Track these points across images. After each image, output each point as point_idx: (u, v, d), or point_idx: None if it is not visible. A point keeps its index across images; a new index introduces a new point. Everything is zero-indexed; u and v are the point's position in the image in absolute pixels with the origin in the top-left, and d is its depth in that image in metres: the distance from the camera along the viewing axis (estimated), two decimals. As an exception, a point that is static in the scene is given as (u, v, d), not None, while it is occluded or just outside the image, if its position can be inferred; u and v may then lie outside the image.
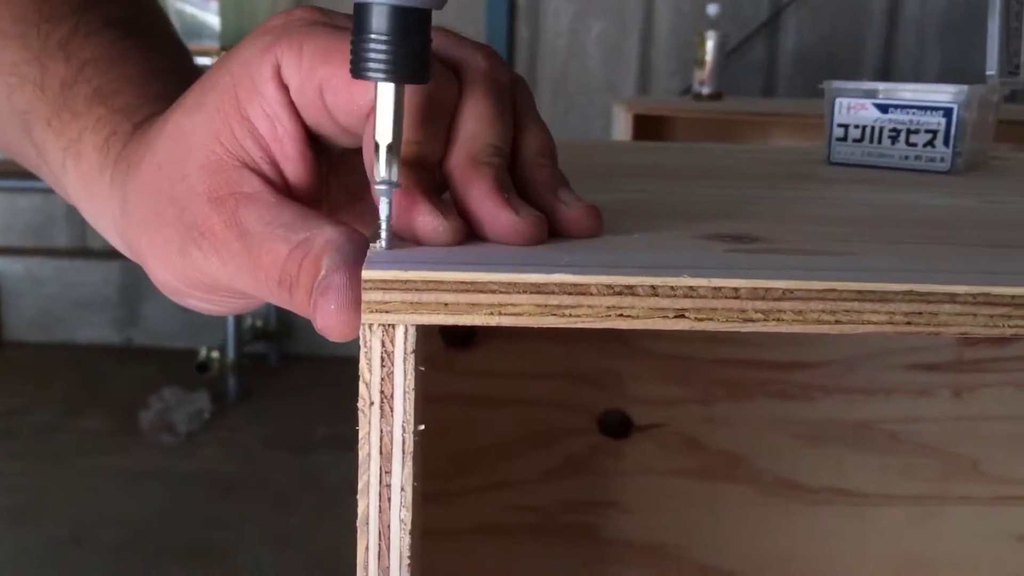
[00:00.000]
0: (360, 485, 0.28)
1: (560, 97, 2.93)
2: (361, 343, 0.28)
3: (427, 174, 0.32)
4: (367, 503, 0.29)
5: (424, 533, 0.38)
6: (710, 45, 2.25)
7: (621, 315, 0.28)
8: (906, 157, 0.58)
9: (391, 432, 0.28)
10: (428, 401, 0.30)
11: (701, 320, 0.28)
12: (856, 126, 0.59)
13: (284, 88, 0.32)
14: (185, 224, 0.33)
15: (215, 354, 2.66)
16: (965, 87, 0.56)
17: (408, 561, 0.29)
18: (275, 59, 0.32)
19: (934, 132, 0.57)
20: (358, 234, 0.31)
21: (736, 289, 0.27)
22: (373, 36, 0.29)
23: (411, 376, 0.28)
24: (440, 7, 0.30)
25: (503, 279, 0.27)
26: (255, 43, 0.33)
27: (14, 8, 0.42)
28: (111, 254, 2.92)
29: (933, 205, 0.47)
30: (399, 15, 0.29)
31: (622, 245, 0.32)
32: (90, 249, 3.09)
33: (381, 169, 0.30)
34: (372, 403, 0.28)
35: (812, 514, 0.58)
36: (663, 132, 2.20)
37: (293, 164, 0.33)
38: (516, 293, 0.27)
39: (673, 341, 0.55)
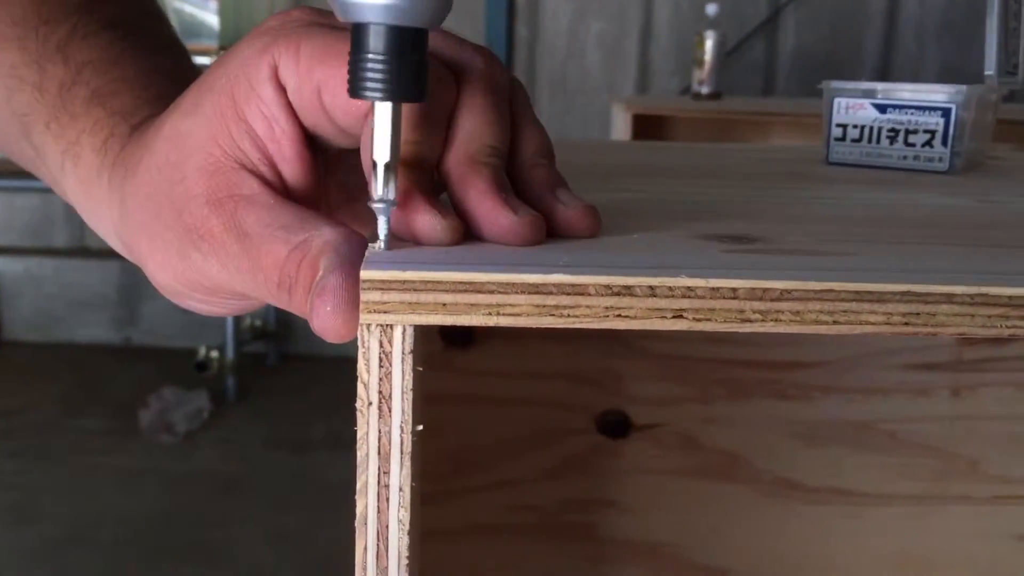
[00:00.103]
0: (358, 485, 0.28)
1: (559, 97, 2.93)
2: (359, 343, 0.28)
3: (425, 174, 0.32)
4: (365, 503, 0.29)
5: (423, 533, 0.38)
6: (709, 45, 2.25)
7: (619, 315, 0.28)
8: (904, 157, 0.58)
9: (389, 432, 0.28)
10: (427, 401, 0.30)
11: (699, 320, 0.28)
12: (855, 126, 0.59)
13: (281, 89, 0.32)
14: (184, 226, 0.33)
15: (214, 354, 2.66)
16: (963, 87, 0.56)
17: (407, 561, 0.29)
18: (272, 60, 0.32)
19: (932, 132, 0.57)
20: (357, 235, 0.31)
21: (734, 289, 0.28)
22: (370, 56, 0.29)
23: (409, 376, 0.28)
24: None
25: (501, 279, 0.27)
26: (252, 44, 0.33)
27: (13, 10, 0.42)
28: (110, 254, 2.92)
29: (931, 205, 0.47)
30: (396, 35, 0.29)
31: (620, 245, 0.32)
32: (89, 249, 3.09)
33: (379, 188, 0.30)
34: (370, 403, 0.28)
35: (811, 514, 0.58)
36: (662, 132, 2.20)
37: (291, 165, 0.33)
38: (514, 293, 0.27)
39: (672, 341, 0.55)
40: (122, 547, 1.93)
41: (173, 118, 0.35)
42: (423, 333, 0.29)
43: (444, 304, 0.27)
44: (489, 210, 0.31)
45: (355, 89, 0.30)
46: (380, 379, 0.28)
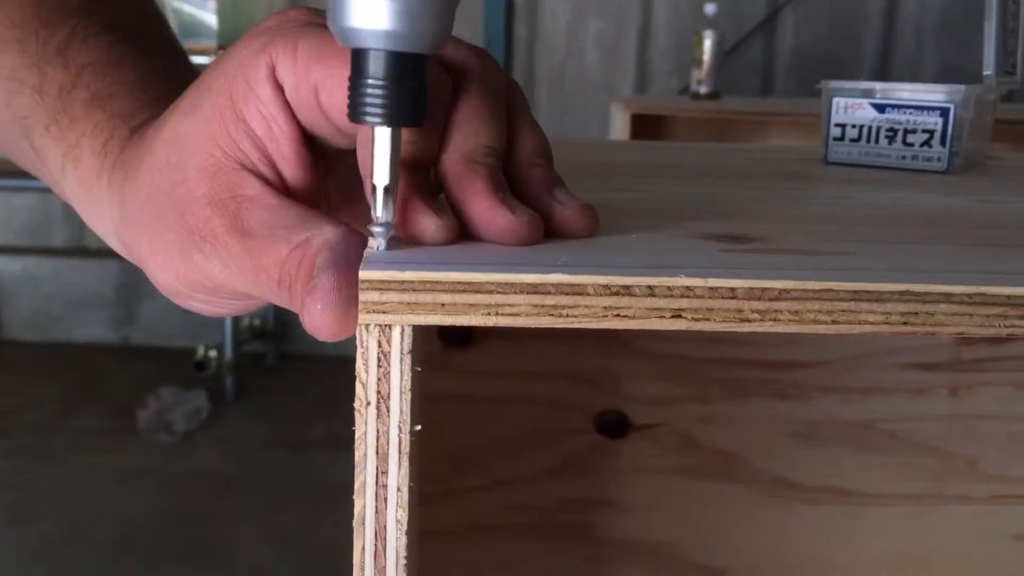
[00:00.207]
0: (357, 485, 0.28)
1: (558, 96, 2.93)
2: (358, 343, 0.28)
3: (421, 174, 0.32)
4: (364, 503, 0.29)
5: (421, 533, 0.38)
6: (708, 44, 2.25)
7: (618, 315, 0.28)
8: (903, 157, 0.58)
9: (387, 432, 0.28)
10: (426, 401, 0.30)
11: (698, 320, 0.28)
12: (853, 126, 0.59)
13: (279, 88, 0.32)
14: (186, 227, 0.33)
15: (213, 353, 2.66)
16: (962, 87, 0.56)
17: (404, 561, 0.29)
18: (270, 60, 0.32)
19: (931, 132, 0.57)
20: (356, 234, 0.31)
21: (733, 289, 0.27)
22: (370, 81, 0.29)
23: (407, 376, 0.28)
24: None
25: (500, 279, 0.27)
26: (250, 44, 0.33)
27: (12, 12, 0.42)
28: (108, 253, 2.91)
29: (930, 205, 0.47)
30: (395, 60, 0.29)
31: (619, 245, 0.32)
32: (87, 248, 3.09)
33: (378, 211, 0.30)
34: (369, 403, 0.28)
35: (809, 513, 0.58)
36: (661, 131, 2.20)
37: (290, 164, 0.33)
38: (513, 293, 0.27)
39: (670, 341, 0.55)
40: (120, 547, 1.93)
41: (172, 120, 0.35)
42: (422, 333, 0.29)
43: (443, 304, 0.27)
44: (486, 210, 0.31)
45: (355, 114, 0.30)
46: (378, 379, 0.28)
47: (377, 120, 0.29)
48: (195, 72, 0.44)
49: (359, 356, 0.28)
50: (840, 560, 0.59)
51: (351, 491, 0.28)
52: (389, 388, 0.28)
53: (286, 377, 2.90)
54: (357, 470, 0.28)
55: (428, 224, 0.30)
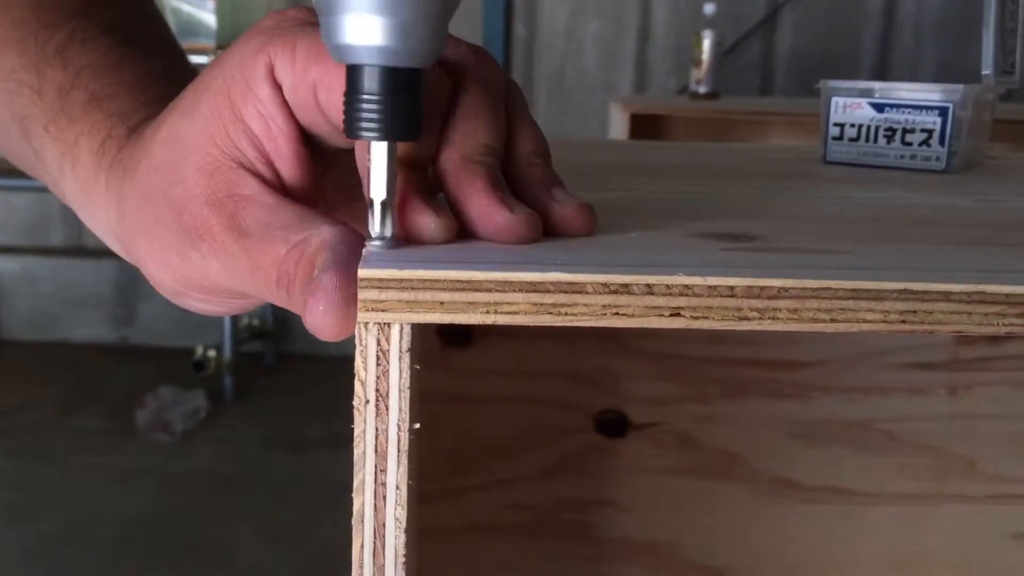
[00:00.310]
0: (355, 483, 0.28)
1: (557, 96, 2.93)
2: (357, 341, 0.28)
3: (420, 173, 0.32)
4: (362, 501, 0.29)
5: (419, 531, 0.38)
6: (707, 44, 2.25)
7: (617, 313, 0.28)
8: (902, 156, 0.58)
9: (386, 430, 0.28)
10: (424, 399, 0.30)
11: (697, 319, 0.28)
12: (852, 125, 0.59)
13: (277, 87, 0.32)
14: (183, 227, 0.33)
15: (211, 353, 2.66)
16: (961, 86, 0.56)
17: (403, 559, 0.29)
18: (268, 59, 0.32)
19: (930, 131, 0.57)
20: (355, 234, 0.31)
21: (732, 287, 0.28)
22: (365, 96, 0.29)
23: (406, 374, 0.28)
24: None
25: (499, 278, 0.27)
26: (248, 44, 0.33)
27: (13, 14, 0.42)
28: (106, 253, 2.91)
29: (928, 204, 0.47)
30: (391, 75, 0.29)
31: (618, 244, 0.32)
32: (85, 248, 3.09)
33: (376, 225, 0.30)
34: (368, 401, 0.28)
35: (808, 513, 0.58)
36: (660, 131, 2.20)
37: (288, 164, 0.33)
38: (512, 292, 0.27)
39: (669, 340, 0.55)
40: (119, 547, 1.93)
41: (171, 119, 0.35)
42: (420, 331, 0.29)
43: (442, 302, 0.27)
44: (485, 208, 0.31)
45: (351, 129, 0.30)
46: (377, 377, 0.28)
47: (373, 135, 0.30)
48: (194, 72, 0.44)
49: (358, 354, 0.28)
50: (839, 559, 0.59)
51: (350, 491, 0.28)
52: (388, 386, 0.28)
53: (285, 377, 2.89)
54: (356, 468, 0.28)
55: (427, 223, 0.30)
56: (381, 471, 0.28)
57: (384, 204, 0.30)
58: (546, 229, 0.32)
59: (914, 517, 0.59)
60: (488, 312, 0.27)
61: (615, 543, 0.58)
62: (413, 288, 0.27)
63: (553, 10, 2.90)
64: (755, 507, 0.58)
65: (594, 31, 2.91)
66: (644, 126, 2.06)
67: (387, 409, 0.28)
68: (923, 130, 0.57)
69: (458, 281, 0.27)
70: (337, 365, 2.72)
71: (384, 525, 0.29)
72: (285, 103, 0.33)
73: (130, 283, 3.01)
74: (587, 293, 0.27)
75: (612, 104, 2.21)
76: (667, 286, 0.27)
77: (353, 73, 0.30)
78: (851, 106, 0.59)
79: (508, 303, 0.27)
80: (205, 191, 0.33)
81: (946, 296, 0.28)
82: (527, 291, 0.27)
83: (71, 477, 2.21)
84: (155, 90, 0.40)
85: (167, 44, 0.46)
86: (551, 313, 0.27)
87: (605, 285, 0.27)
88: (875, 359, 0.57)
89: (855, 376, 0.57)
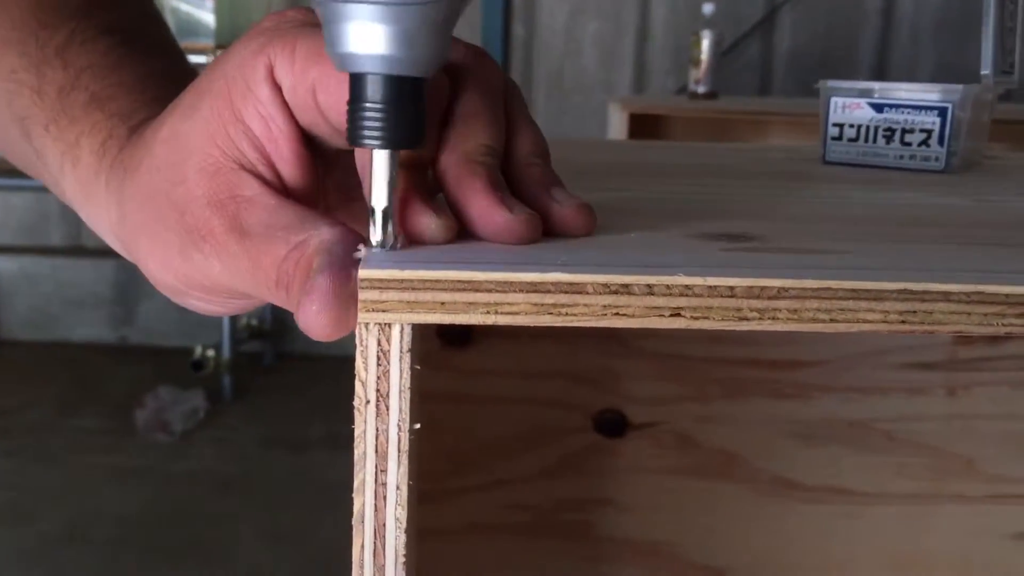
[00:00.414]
0: (356, 483, 0.28)
1: (556, 96, 2.93)
2: (357, 342, 0.28)
3: (420, 174, 0.32)
4: (363, 501, 0.29)
5: (420, 531, 0.38)
6: (705, 44, 2.25)
7: (617, 314, 0.28)
8: (901, 157, 0.58)
9: (387, 431, 0.28)
10: (424, 399, 0.30)
11: (697, 319, 0.28)
12: (851, 125, 0.59)
13: (277, 88, 0.32)
14: (185, 227, 0.33)
15: (210, 353, 2.66)
16: (960, 87, 0.56)
17: (403, 559, 0.29)
18: (268, 60, 0.32)
19: (929, 132, 0.57)
20: (354, 236, 0.31)
21: (732, 288, 0.28)
22: (368, 105, 0.29)
23: (407, 375, 0.28)
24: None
25: (499, 278, 0.27)
26: (248, 45, 0.33)
27: (12, 14, 0.42)
28: (106, 252, 2.92)
29: (927, 204, 0.47)
30: (393, 84, 0.29)
31: (618, 244, 0.32)
32: (85, 247, 3.09)
33: (376, 233, 0.30)
34: (368, 402, 0.28)
35: (807, 512, 0.58)
36: (659, 131, 2.20)
37: (288, 164, 0.33)
38: (512, 292, 0.27)
39: (669, 340, 0.55)
40: (118, 546, 1.93)
41: (172, 120, 0.35)
42: (421, 332, 0.29)
43: (442, 303, 0.27)
44: (485, 208, 0.31)
45: (353, 137, 0.30)
46: (378, 377, 0.28)
47: (375, 143, 0.30)
48: (193, 72, 0.44)
49: (358, 355, 0.28)
50: (838, 559, 0.59)
51: (350, 491, 0.29)
52: (388, 387, 0.28)
53: (284, 376, 2.89)
54: (356, 468, 0.28)
55: (427, 223, 0.30)
56: (381, 471, 0.28)
57: (385, 212, 0.30)
58: (546, 229, 0.32)
59: (913, 517, 0.59)
60: (488, 312, 0.27)
61: (615, 543, 0.58)
62: (414, 289, 0.27)
63: (552, 10, 2.90)
64: (755, 507, 0.58)
65: (593, 31, 2.91)
66: (643, 126, 2.06)
67: (387, 409, 0.28)
68: (922, 130, 0.57)
69: (458, 281, 0.27)
70: (336, 365, 2.72)
71: (384, 525, 0.29)
72: (285, 104, 0.33)
73: (129, 283, 3.01)
74: (587, 293, 0.27)
75: (611, 104, 2.21)
76: (667, 286, 0.27)
77: (356, 81, 0.30)
78: (850, 106, 0.59)
79: (508, 303, 0.27)
80: (207, 192, 0.33)
81: (946, 296, 0.28)
82: (527, 291, 0.27)
83: (70, 477, 2.21)
84: (155, 90, 0.40)
85: (166, 44, 0.46)
86: (551, 313, 0.28)
87: (605, 285, 0.27)
88: (874, 359, 0.57)
89: (855, 376, 0.57)
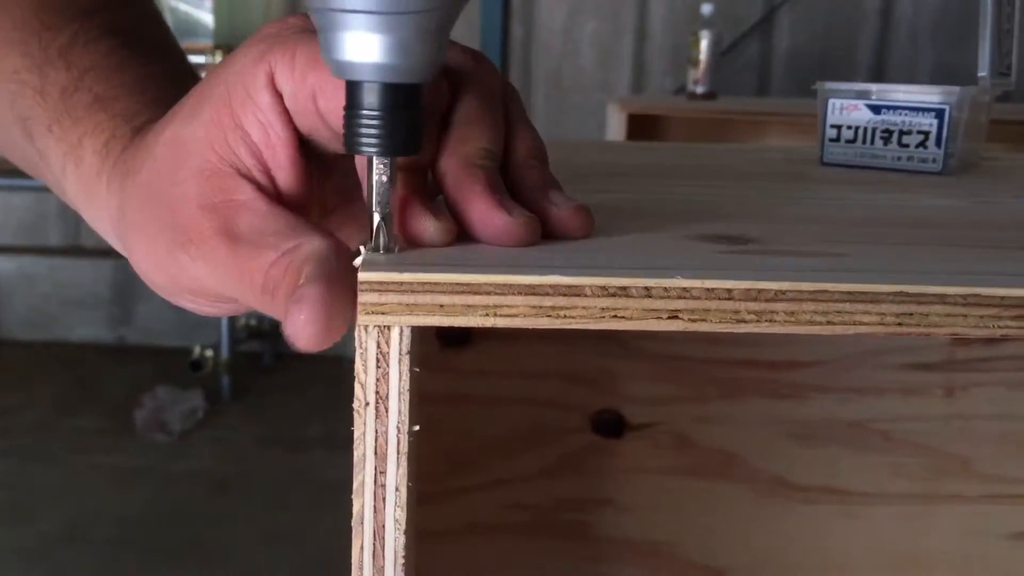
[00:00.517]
0: (355, 485, 0.29)
1: (554, 96, 2.93)
2: (357, 344, 0.28)
3: (419, 177, 0.32)
4: (362, 503, 0.29)
5: (419, 533, 0.38)
6: (704, 44, 2.25)
7: (615, 316, 0.28)
8: (898, 158, 0.58)
9: (386, 432, 0.28)
10: (423, 401, 0.30)
11: (695, 321, 0.28)
12: (849, 127, 0.59)
13: (278, 95, 0.33)
14: (175, 228, 0.34)
15: (209, 353, 2.66)
16: (957, 88, 0.57)
17: (403, 561, 0.29)
18: (268, 67, 0.32)
19: (926, 133, 0.57)
20: (345, 248, 0.31)
21: (729, 290, 0.28)
22: (365, 112, 0.29)
23: (406, 377, 0.28)
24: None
25: (498, 281, 0.27)
26: (249, 52, 0.33)
27: (14, 15, 0.42)
28: (104, 252, 2.92)
29: (925, 206, 0.47)
30: (390, 91, 0.29)
31: (616, 246, 0.32)
32: (83, 247, 3.09)
33: (376, 237, 0.30)
34: (367, 404, 0.28)
35: (805, 513, 0.58)
36: (657, 131, 2.21)
37: (284, 172, 0.33)
38: (511, 295, 0.27)
39: (667, 341, 0.56)
40: (117, 546, 1.93)
41: (174, 124, 0.35)
42: (420, 334, 0.29)
43: (441, 305, 0.27)
44: (484, 211, 0.31)
45: (351, 144, 0.30)
46: (377, 379, 0.28)
47: (373, 150, 0.30)
48: (193, 72, 0.44)
49: (358, 357, 0.28)
50: (837, 559, 0.59)
51: (349, 490, 0.29)
52: (388, 389, 0.28)
53: (283, 377, 2.89)
54: (356, 470, 0.29)
55: (427, 226, 0.31)
56: (381, 473, 0.29)
57: (384, 218, 0.30)
58: (544, 232, 0.32)
59: (911, 517, 0.59)
60: (487, 315, 0.28)
61: (615, 543, 0.58)
62: (413, 291, 0.27)
63: (550, 10, 2.90)
64: (753, 507, 0.58)
65: (591, 31, 2.91)
66: (641, 126, 2.06)
67: (387, 411, 0.28)
68: (920, 132, 0.57)
69: (457, 284, 0.27)
70: (335, 365, 2.72)
71: (384, 527, 0.29)
72: (285, 111, 0.33)
73: (127, 283, 3.01)
74: (585, 296, 0.28)
75: (609, 104, 2.21)
76: (665, 289, 0.28)
77: (352, 89, 0.30)
78: (848, 108, 0.59)
79: (507, 306, 0.28)
80: (199, 194, 0.33)
81: (942, 299, 0.28)
82: (526, 294, 0.27)
83: (70, 477, 2.21)
84: (156, 91, 0.41)
85: (168, 46, 0.46)
86: (550, 316, 0.28)
87: (603, 288, 0.28)
88: (872, 360, 0.57)
89: (852, 376, 0.57)
